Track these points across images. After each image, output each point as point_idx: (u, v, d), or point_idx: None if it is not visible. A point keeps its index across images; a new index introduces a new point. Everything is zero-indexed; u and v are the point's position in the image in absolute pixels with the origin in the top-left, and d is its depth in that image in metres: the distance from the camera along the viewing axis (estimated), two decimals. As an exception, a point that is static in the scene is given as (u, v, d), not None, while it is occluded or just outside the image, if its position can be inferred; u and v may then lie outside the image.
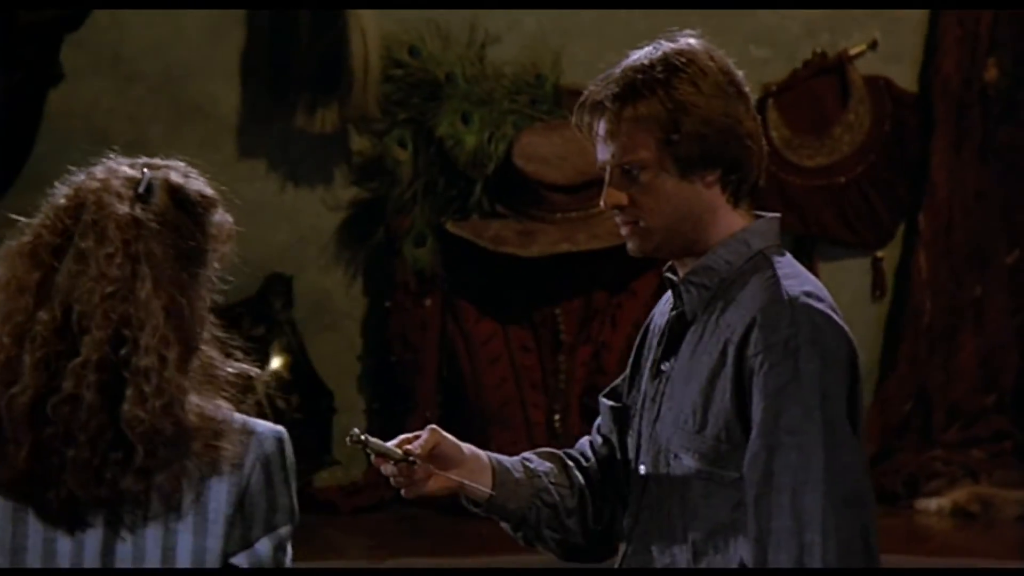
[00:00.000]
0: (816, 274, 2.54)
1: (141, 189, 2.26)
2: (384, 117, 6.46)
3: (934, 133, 6.63)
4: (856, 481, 2.32)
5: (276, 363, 6.27)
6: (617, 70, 2.42)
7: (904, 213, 6.70)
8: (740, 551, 2.35)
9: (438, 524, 5.71)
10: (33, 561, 2.23)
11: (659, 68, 2.39)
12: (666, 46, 2.42)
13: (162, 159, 2.31)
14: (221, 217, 2.30)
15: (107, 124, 6.37)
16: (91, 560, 2.22)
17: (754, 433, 2.33)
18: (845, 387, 2.34)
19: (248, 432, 2.24)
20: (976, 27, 6.62)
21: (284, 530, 2.25)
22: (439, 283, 6.38)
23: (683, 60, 2.40)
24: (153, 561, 2.22)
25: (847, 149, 6.65)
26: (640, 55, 2.43)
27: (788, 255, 2.46)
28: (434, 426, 2.48)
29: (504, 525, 2.54)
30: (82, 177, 2.28)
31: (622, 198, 2.42)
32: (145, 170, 2.28)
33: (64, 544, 2.23)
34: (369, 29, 6.41)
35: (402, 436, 2.46)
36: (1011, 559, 5.55)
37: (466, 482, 2.45)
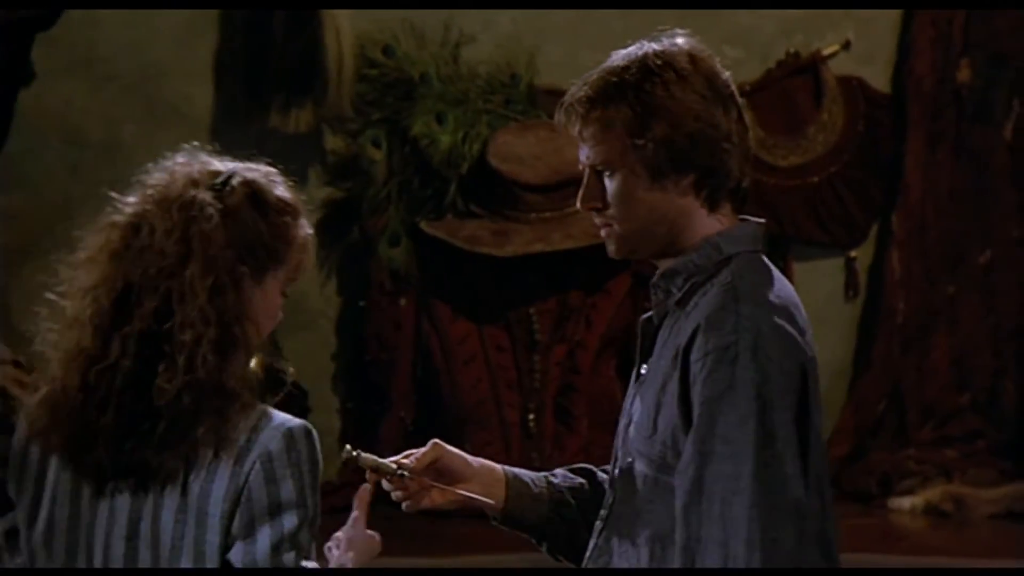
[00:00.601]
0: (790, 274, 2.53)
1: (219, 180, 2.35)
2: (358, 117, 6.45)
3: (907, 133, 6.65)
4: (795, 492, 2.27)
5: (250, 363, 6.25)
6: (595, 72, 2.41)
7: (877, 213, 6.72)
8: (678, 560, 2.33)
9: (415, 524, 5.68)
10: (84, 526, 2.31)
11: (633, 70, 2.38)
12: (648, 47, 2.40)
13: (252, 164, 2.40)
14: (301, 227, 2.38)
15: (81, 124, 6.35)
16: (119, 533, 2.29)
17: (689, 439, 2.30)
18: (791, 397, 2.30)
19: (259, 428, 2.28)
20: (949, 28, 6.64)
21: (289, 525, 2.25)
22: (414, 283, 6.38)
23: (659, 63, 2.38)
24: (165, 545, 2.27)
25: (821, 149, 6.66)
26: (620, 56, 2.41)
27: (762, 261, 2.43)
28: (437, 440, 2.48)
29: (530, 537, 2.54)
30: (177, 161, 2.38)
31: (596, 201, 2.42)
32: (231, 164, 2.37)
33: (103, 511, 2.30)
34: (343, 29, 6.40)
35: (406, 452, 2.46)
36: (984, 558, 5.57)
37: (469, 494, 2.45)
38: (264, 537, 2.25)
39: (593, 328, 6.29)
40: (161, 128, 6.38)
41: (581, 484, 2.54)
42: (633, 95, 2.37)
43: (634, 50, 2.41)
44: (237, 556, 2.25)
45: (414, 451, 2.46)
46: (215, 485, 2.26)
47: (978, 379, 6.60)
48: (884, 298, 6.64)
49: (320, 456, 2.30)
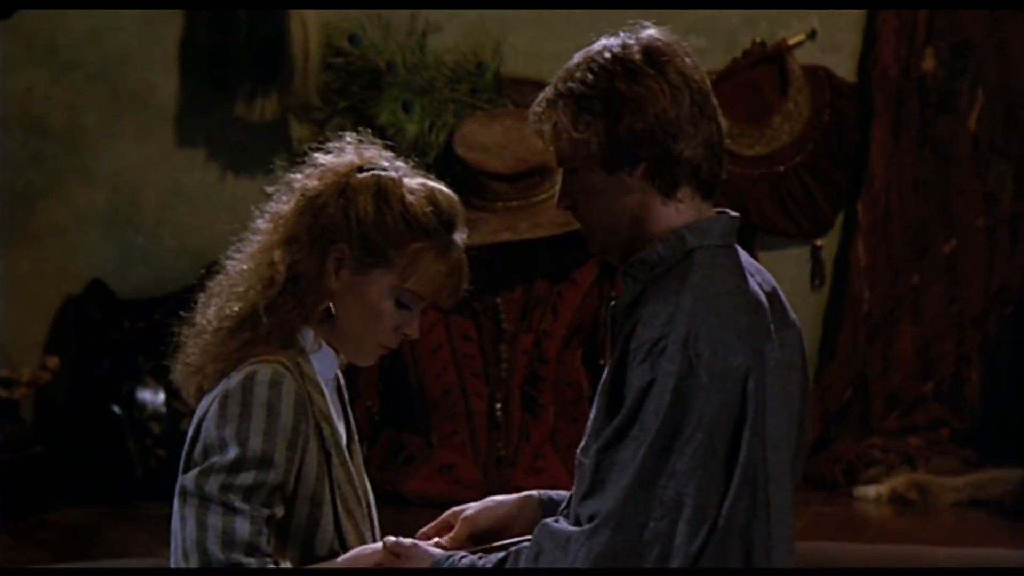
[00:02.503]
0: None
1: (367, 166, 2.43)
2: (324, 106, 6.43)
3: (872, 122, 6.66)
4: (679, 488, 2.28)
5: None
6: (558, 72, 2.44)
7: (843, 202, 6.73)
8: None
9: (379, 515, 5.70)
10: None
11: (583, 67, 2.41)
12: (606, 42, 2.43)
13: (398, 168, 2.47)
14: (421, 244, 2.43)
15: (43, 112, 6.32)
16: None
17: (612, 422, 2.33)
18: (715, 397, 2.30)
19: (240, 367, 2.38)
20: (913, 17, 6.66)
21: (219, 459, 2.33)
22: (380, 272, 6.37)
23: (608, 57, 2.40)
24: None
25: (786, 138, 6.67)
26: (579, 54, 2.44)
27: (729, 255, 2.41)
28: (465, 516, 2.50)
29: None
30: (370, 148, 2.48)
31: (566, 199, 2.45)
32: (387, 164, 2.45)
33: None
34: (309, 17, 6.39)
35: (439, 527, 2.51)
36: (947, 545, 5.60)
37: (512, 542, 2.46)
38: (195, 468, 2.34)
39: (559, 318, 6.29)
40: (124, 117, 6.34)
41: None
42: (579, 92, 2.40)
43: (593, 46, 2.44)
44: (182, 481, 2.36)
45: (433, 529, 2.51)
46: (198, 410, 2.39)
47: (942, 368, 6.62)
48: (849, 287, 6.66)
49: (285, 408, 2.37)
